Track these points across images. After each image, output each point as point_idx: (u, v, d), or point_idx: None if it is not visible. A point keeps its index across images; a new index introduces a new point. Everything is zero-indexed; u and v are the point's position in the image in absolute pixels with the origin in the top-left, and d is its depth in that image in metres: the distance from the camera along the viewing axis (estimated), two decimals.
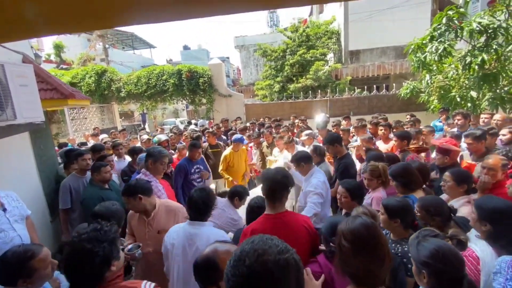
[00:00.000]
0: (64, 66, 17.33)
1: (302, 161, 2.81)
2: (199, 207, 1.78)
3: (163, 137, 5.08)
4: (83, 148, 5.01)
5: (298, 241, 1.50)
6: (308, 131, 4.78)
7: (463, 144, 3.36)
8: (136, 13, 1.20)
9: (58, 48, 20.36)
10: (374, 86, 11.20)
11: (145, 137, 5.23)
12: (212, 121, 10.51)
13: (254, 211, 2.09)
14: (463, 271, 1.11)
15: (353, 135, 4.96)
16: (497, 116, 3.87)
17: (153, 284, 1.29)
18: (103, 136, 6.77)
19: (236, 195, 2.72)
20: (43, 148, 3.79)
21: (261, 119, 8.17)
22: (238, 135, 4.60)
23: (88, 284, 1.12)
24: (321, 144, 3.92)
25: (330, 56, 14.83)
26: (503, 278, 1.26)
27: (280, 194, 1.65)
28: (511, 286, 1.21)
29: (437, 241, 1.21)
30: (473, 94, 5.45)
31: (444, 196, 2.20)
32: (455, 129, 4.19)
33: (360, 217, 1.11)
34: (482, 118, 4.16)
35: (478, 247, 1.46)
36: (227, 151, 4.54)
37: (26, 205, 3.23)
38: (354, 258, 1.01)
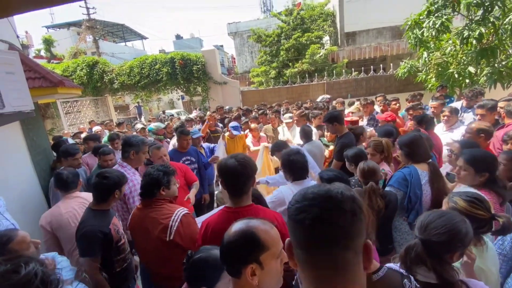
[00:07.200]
0: (55, 61, 16.93)
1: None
2: (300, 167, 2.04)
3: (162, 125, 5.00)
4: (77, 139, 4.94)
5: None
6: (290, 114, 4.72)
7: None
8: None
9: (48, 42, 19.86)
10: (371, 67, 11.02)
11: (139, 126, 5.16)
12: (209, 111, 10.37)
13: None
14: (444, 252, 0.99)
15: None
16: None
17: (185, 211, 1.66)
18: (97, 128, 6.67)
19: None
20: (36, 140, 3.72)
21: (256, 106, 7.95)
22: (234, 123, 4.50)
23: (147, 194, 1.73)
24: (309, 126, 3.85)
25: (326, 39, 14.57)
26: None
27: (241, 186, 1.45)
28: None
29: (453, 215, 1.06)
30: (471, 69, 5.38)
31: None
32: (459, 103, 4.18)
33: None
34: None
35: None
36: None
37: (23, 198, 3.24)
38: None
